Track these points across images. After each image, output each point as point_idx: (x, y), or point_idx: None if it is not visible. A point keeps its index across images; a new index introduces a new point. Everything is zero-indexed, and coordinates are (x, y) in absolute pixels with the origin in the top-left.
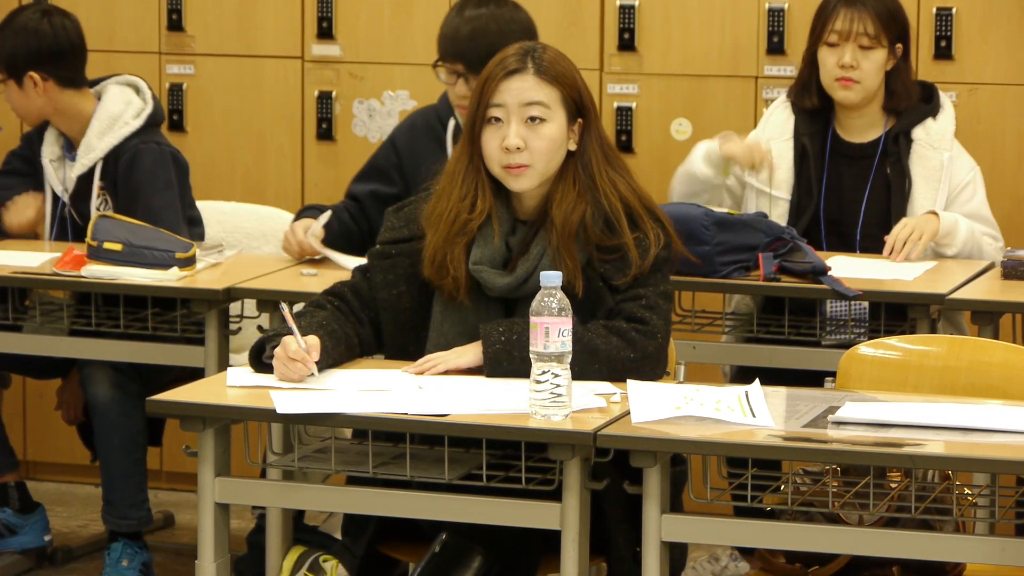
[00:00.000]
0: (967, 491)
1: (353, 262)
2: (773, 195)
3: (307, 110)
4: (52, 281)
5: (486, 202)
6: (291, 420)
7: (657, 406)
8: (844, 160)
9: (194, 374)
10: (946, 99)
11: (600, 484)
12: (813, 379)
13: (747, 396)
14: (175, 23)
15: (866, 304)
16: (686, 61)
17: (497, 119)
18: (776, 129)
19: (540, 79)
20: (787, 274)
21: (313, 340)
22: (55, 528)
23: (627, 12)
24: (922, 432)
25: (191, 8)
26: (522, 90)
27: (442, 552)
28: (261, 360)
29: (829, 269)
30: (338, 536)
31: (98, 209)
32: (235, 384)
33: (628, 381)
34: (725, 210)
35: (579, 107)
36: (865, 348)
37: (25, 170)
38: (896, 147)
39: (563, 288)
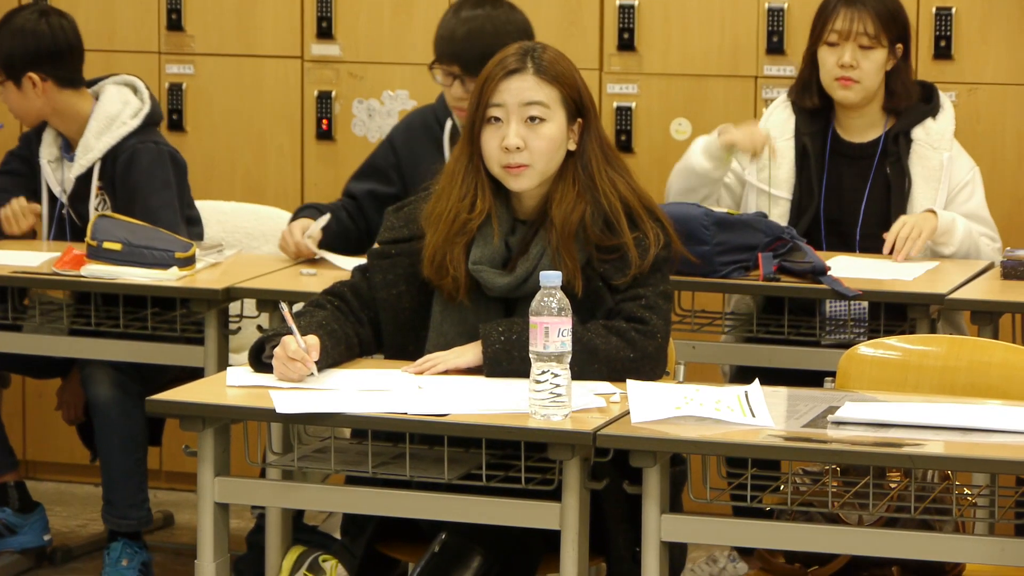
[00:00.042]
0: (966, 491)
1: (349, 263)
2: (774, 195)
3: (307, 110)
4: (52, 281)
5: (486, 202)
6: (291, 420)
7: (657, 406)
8: (844, 160)
9: (193, 374)
10: (946, 99)
11: (600, 484)
12: (813, 379)
13: (747, 396)
14: (175, 23)
15: (866, 304)
16: (686, 61)
17: (497, 119)
18: (777, 128)
19: (540, 79)
20: (787, 274)
21: (313, 340)
22: (54, 528)
23: (627, 12)
24: (922, 432)
25: (191, 8)
26: (522, 90)
27: (442, 552)
28: (261, 360)
29: (829, 269)
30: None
31: (96, 209)
32: (235, 384)
33: (628, 381)
34: (725, 210)
35: (579, 107)
36: (865, 348)
37: (23, 170)
38: (896, 147)
39: (563, 288)
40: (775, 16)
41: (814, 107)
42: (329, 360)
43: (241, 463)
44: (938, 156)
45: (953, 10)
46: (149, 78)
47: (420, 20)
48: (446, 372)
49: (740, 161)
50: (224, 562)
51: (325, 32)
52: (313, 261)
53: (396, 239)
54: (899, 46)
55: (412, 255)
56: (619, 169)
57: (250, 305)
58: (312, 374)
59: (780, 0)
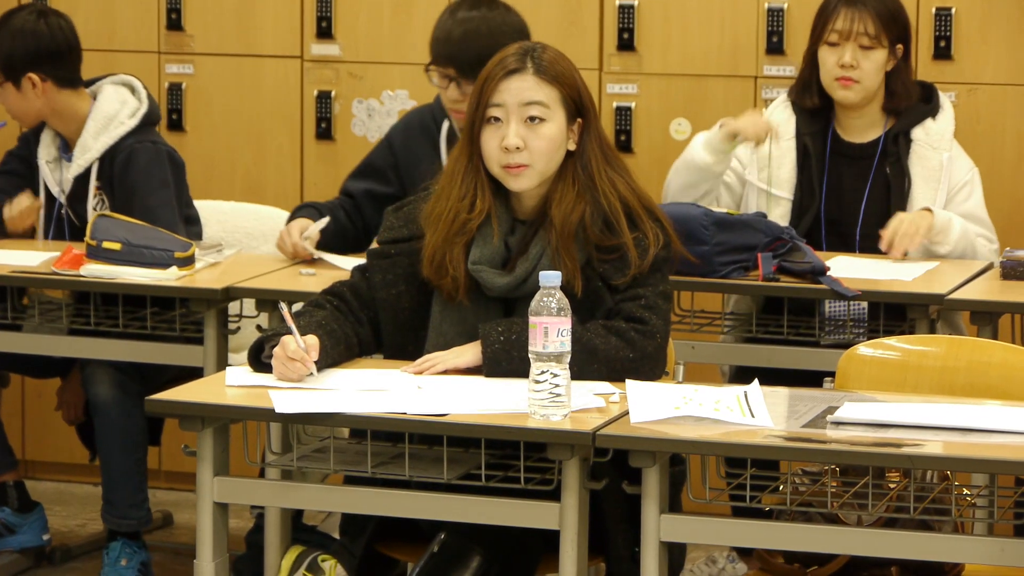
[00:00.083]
0: (966, 491)
1: (348, 263)
2: (775, 195)
3: (306, 110)
4: (51, 280)
5: (485, 202)
6: (290, 420)
7: (656, 406)
8: (844, 160)
9: (193, 373)
10: (945, 99)
11: (599, 484)
12: (812, 379)
13: (746, 396)
14: (174, 22)
15: (865, 304)
16: (685, 61)
17: (496, 119)
18: (778, 128)
19: (540, 79)
20: (786, 274)
21: (312, 340)
22: (54, 527)
23: (626, 12)
24: (921, 432)
25: (190, 8)
26: (521, 90)
27: (441, 552)
28: (260, 360)
29: (828, 269)
30: (337, 536)
31: (95, 209)
32: (234, 384)
33: (627, 381)
34: (724, 210)
35: (578, 107)
36: (864, 348)
37: (22, 171)
38: (896, 147)
39: (562, 288)
40: (775, 16)
41: (814, 107)
42: (328, 360)
43: (240, 463)
44: (938, 156)
45: (953, 10)
46: (149, 78)
47: (420, 20)
48: (445, 372)
49: (741, 159)
50: (223, 562)
51: (325, 32)
52: (311, 261)
53: (396, 239)
54: (899, 46)
55: (412, 255)
56: (619, 169)
57: (249, 305)
58: (311, 374)
59: (780, 0)
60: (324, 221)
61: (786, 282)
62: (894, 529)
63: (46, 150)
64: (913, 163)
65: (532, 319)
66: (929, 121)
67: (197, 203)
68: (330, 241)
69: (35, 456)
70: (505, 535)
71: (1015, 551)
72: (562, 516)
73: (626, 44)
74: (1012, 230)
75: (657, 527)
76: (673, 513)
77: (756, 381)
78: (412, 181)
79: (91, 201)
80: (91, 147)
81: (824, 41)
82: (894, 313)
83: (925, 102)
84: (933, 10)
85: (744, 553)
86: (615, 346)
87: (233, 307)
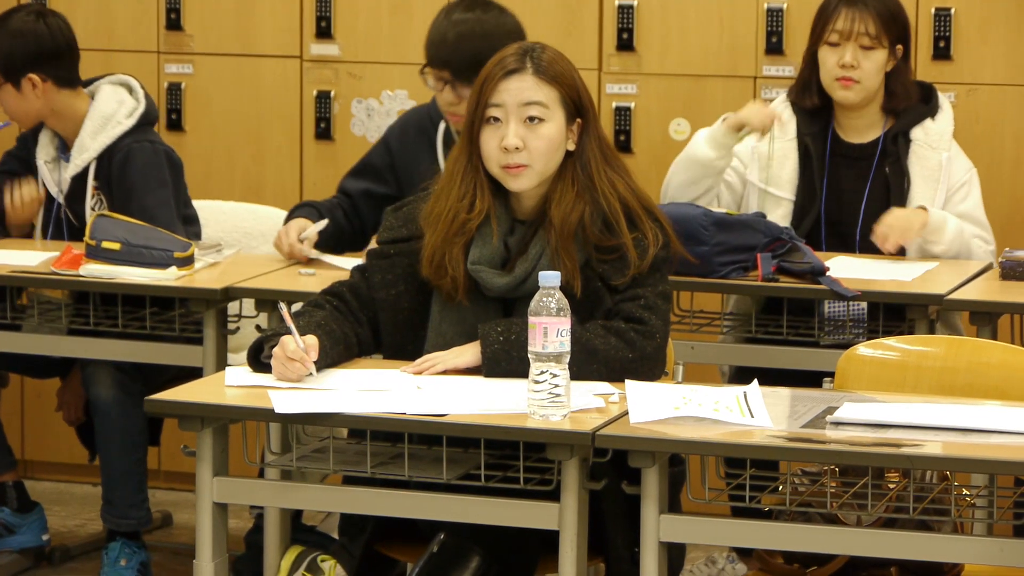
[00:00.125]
0: (965, 492)
1: (347, 263)
2: (777, 195)
3: (305, 109)
4: (50, 280)
5: (485, 202)
6: (289, 420)
7: (655, 406)
8: (843, 160)
9: (192, 373)
10: (945, 100)
11: (598, 484)
12: (811, 379)
13: (745, 396)
14: (173, 22)
15: (864, 305)
16: (685, 61)
17: (496, 119)
18: (778, 128)
19: (539, 79)
20: (785, 274)
21: (311, 340)
22: (53, 527)
23: (626, 12)
24: (920, 433)
25: (189, 7)
26: (521, 90)
27: (440, 552)
28: (259, 360)
29: (827, 269)
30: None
31: (93, 209)
32: (233, 384)
33: (626, 381)
34: (724, 210)
35: (578, 107)
36: (863, 349)
37: (21, 171)
38: (895, 147)
39: (561, 288)
40: (774, 16)
41: (814, 107)
42: (328, 360)
43: (240, 463)
44: (937, 156)
45: (952, 10)
46: (148, 78)
47: (419, 20)
48: (445, 372)
49: (742, 159)
50: (223, 562)
51: (324, 32)
52: (309, 262)
53: (395, 239)
54: (899, 47)
55: (411, 255)
56: (618, 169)
57: (249, 305)
58: (311, 374)
59: (779, 0)
60: (323, 223)
61: (785, 282)
62: (893, 529)
63: (44, 150)
64: (912, 163)
65: (531, 319)
66: (928, 121)
67: (196, 203)
68: (327, 241)
69: (35, 456)
70: (504, 535)
71: (1014, 551)
72: (561, 516)
73: (625, 44)
74: (1011, 230)
75: (657, 527)
76: (672, 513)
77: (755, 381)
78: (409, 182)
79: (89, 201)
80: (88, 147)
81: (824, 41)
82: (893, 313)
83: (924, 102)
84: (932, 10)
85: (744, 553)
86: (614, 346)
87: (232, 307)
